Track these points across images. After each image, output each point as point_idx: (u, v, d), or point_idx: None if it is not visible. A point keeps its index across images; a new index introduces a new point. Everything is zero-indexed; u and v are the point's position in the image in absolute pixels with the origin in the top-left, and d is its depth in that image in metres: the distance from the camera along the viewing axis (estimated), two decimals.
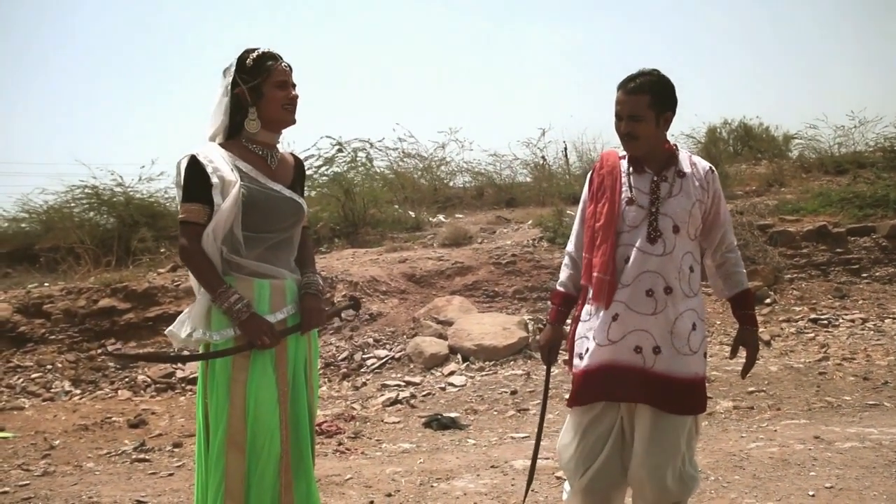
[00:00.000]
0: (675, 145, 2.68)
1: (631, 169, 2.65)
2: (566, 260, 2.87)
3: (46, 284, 8.86)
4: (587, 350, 2.63)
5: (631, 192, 2.62)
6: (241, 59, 2.56)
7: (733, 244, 2.76)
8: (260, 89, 2.53)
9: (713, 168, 2.70)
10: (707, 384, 5.95)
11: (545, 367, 2.96)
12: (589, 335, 2.64)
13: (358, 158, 12.55)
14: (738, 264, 2.75)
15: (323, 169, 12.26)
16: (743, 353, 2.81)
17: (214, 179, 2.44)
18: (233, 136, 2.60)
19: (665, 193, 2.59)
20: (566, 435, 2.72)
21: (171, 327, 2.58)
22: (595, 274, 2.62)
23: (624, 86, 2.58)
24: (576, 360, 2.69)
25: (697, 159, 2.71)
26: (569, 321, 2.87)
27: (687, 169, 2.64)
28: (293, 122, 2.63)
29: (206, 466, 2.49)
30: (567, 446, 2.69)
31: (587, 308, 2.69)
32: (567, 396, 2.74)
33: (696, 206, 2.60)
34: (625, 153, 2.70)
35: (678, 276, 2.57)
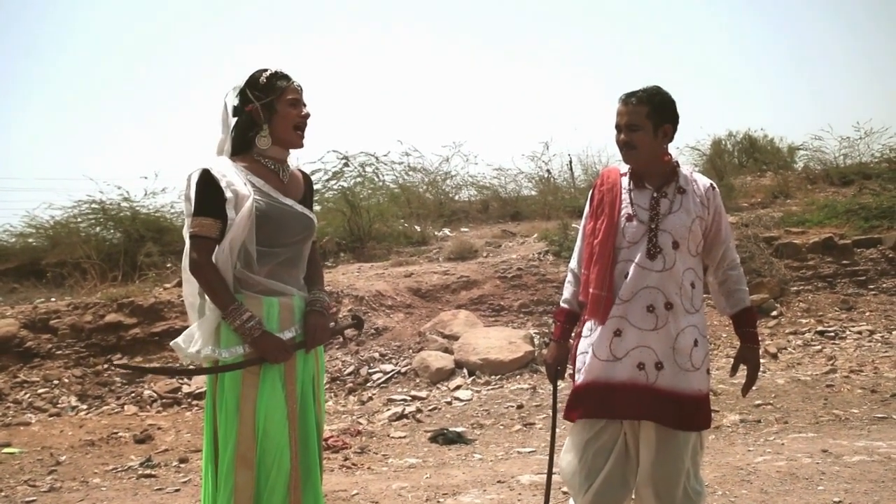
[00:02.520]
0: (677, 161, 2.70)
1: (632, 185, 2.67)
2: (569, 276, 2.88)
3: (53, 299, 8.90)
4: (585, 364, 2.63)
5: (631, 208, 2.63)
6: (254, 78, 2.57)
7: (736, 261, 2.76)
8: (273, 106, 2.55)
9: (714, 185, 2.72)
10: (714, 397, 5.97)
11: (552, 384, 2.97)
12: (590, 350, 2.64)
13: (364, 173, 12.59)
14: (741, 281, 2.75)
15: (330, 183, 12.30)
16: (744, 370, 2.81)
17: (228, 194, 2.44)
18: (243, 150, 2.61)
19: (665, 209, 2.61)
20: (568, 451, 2.72)
21: (177, 339, 2.55)
22: (591, 290, 2.64)
23: (624, 97, 2.63)
24: (576, 376, 2.69)
25: (699, 176, 2.72)
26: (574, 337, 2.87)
27: (687, 185, 2.66)
28: (301, 145, 2.63)
29: (214, 483, 2.48)
30: (570, 462, 2.69)
31: (589, 324, 2.69)
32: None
33: (696, 222, 2.61)
34: (626, 170, 2.71)
35: (679, 291, 2.58)
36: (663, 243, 2.58)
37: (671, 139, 2.65)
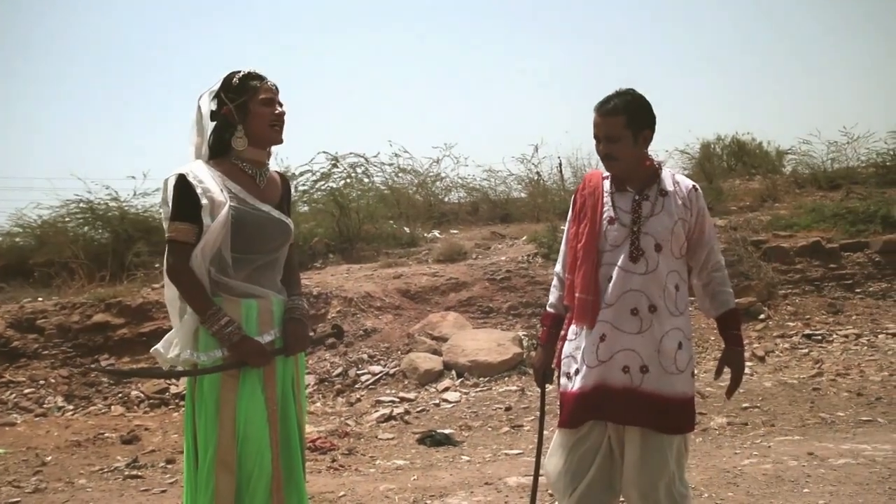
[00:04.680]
0: (659, 163, 2.70)
1: (613, 188, 2.67)
2: (555, 281, 2.89)
3: (40, 299, 8.83)
4: (576, 371, 2.63)
5: (613, 211, 2.63)
6: (227, 80, 2.57)
7: (720, 263, 2.76)
8: (246, 106, 2.54)
9: (697, 186, 2.71)
10: (701, 400, 6.00)
11: (539, 388, 2.97)
12: (576, 355, 2.64)
13: (354, 174, 12.55)
14: (725, 283, 2.75)
15: (319, 184, 12.26)
16: (728, 372, 2.81)
17: (204, 200, 2.43)
18: (221, 154, 2.60)
19: (647, 212, 2.61)
20: (554, 454, 2.72)
21: (157, 346, 2.56)
22: (577, 294, 2.64)
23: (599, 108, 2.60)
24: (563, 381, 2.70)
25: (681, 177, 2.72)
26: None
27: (670, 187, 2.65)
28: (280, 140, 2.63)
29: (195, 486, 2.47)
30: (555, 465, 2.69)
31: (573, 328, 2.70)
32: (558, 414, 2.74)
33: (679, 224, 2.61)
34: (608, 173, 2.71)
35: (663, 294, 2.58)
36: (645, 246, 2.58)
37: (651, 141, 2.65)
